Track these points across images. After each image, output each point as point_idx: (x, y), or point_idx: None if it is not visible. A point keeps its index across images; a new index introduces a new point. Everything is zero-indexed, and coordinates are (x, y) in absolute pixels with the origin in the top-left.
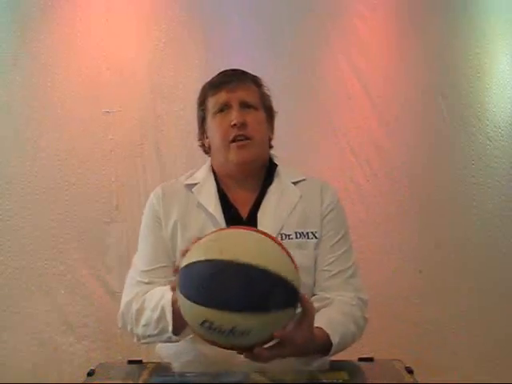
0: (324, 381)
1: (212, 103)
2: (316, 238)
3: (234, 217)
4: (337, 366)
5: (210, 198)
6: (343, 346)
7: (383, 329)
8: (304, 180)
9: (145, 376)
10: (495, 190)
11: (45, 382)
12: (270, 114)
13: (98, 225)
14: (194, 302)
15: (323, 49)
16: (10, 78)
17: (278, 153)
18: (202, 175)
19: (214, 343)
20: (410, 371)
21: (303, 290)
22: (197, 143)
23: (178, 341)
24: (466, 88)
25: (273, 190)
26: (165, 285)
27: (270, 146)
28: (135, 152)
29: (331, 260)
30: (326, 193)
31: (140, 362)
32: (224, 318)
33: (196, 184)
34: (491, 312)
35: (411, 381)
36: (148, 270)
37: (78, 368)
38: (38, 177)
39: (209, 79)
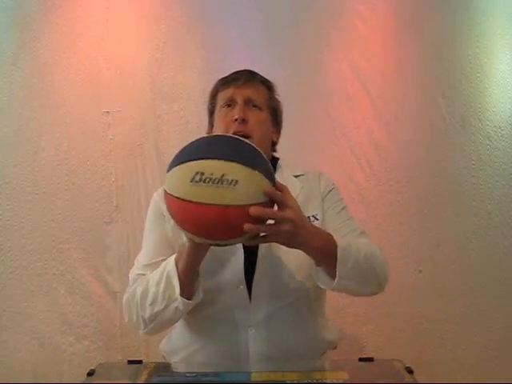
0: (324, 381)
1: (220, 97)
2: (317, 219)
3: None
4: (337, 366)
5: None
6: (353, 261)
7: (383, 329)
8: (303, 175)
9: (145, 376)
10: (495, 189)
11: (45, 382)
12: (275, 117)
13: (98, 225)
14: (187, 161)
15: (323, 49)
16: (10, 78)
17: (278, 153)
18: None
19: (203, 208)
20: (409, 371)
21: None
22: None
23: (185, 311)
24: (466, 88)
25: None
26: None
27: (274, 150)
28: (135, 152)
29: (339, 225)
30: (322, 179)
31: (140, 362)
32: (214, 166)
33: None
34: (491, 312)
35: (411, 381)
36: (150, 264)
37: (78, 368)
38: (38, 177)
39: (208, 79)
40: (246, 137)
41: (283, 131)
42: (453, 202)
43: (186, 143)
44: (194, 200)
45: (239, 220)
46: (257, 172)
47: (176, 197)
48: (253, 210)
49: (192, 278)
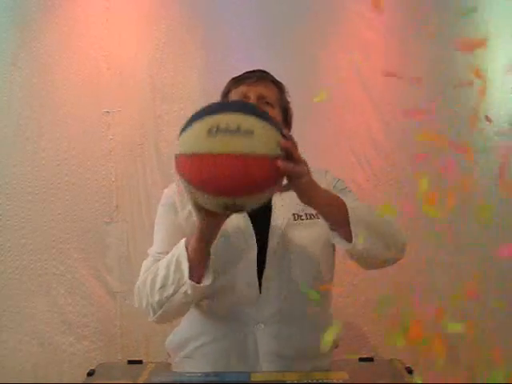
0: (324, 381)
1: (233, 95)
2: None
3: None
4: (337, 366)
5: None
6: (367, 220)
7: (383, 329)
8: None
9: (145, 376)
10: (495, 189)
11: (45, 382)
12: (286, 116)
13: (98, 225)
14: (200, 117)
15: (323, 49)
16: (10, 78)
17: None
18: None
19: (222, 158)
20: (409, 371)
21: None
22: None
23: (195, 296)
24: (466, 88)
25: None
26: None
27: None
28: (135, 152)
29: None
30: (328, 175)
31: (140, 362)
32: (229, 118)
33: None
34: (491, 312)
35: (411, 381)
36: (163, 252)
37: (78, 368)
38: (38, 177)
39: (208, 79)
40: None
41: None
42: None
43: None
44: (212, 151)
45: (257, 171)
46: (271, 125)
47: (192, 153)
48: (281, 164)
49: (203, 260)
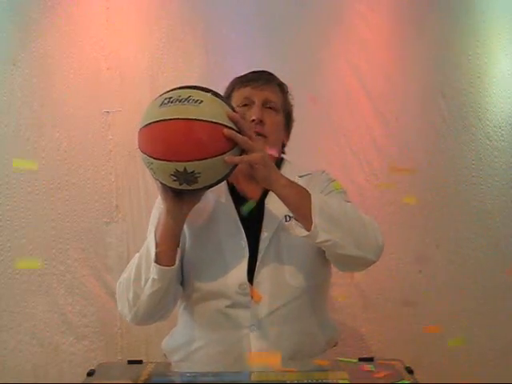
0: (324, 381)
1: (236, 97)
2: None
3: (243, 204)
4: (337, 366)
5: (219, 189)
6: (331, 212)
7: (383, 329)
8: (310, 174)
9: (145, 376)
10: (495, 189)
11: (45, 382)
12: (288, 120)
13: (98, 225)
14: (161, 95)
15: (323, 49)
16: (10, 77)
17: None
18: None
19: (170, 124)
20: (410, 371)
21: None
22: None
23: (162, 280)
24: (466, 88)
25: None
26: None
27: (283, 152)
28: (135, 152)
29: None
30: (323, 174)
31: (140, 362)
32: (181, 92)
33: None
34: (491, 312)
35: (411, 381)
36: None
37: (78, 368)
38: (38, 177)
39: (209, 79)
40: (263, 136)
41: None
42: (453, 201)
43: None
44: (161, 118)
45: (204, 136)
46: (221, 100)
47: (145, 125)
48: (226, 132)
49: (172, 243)
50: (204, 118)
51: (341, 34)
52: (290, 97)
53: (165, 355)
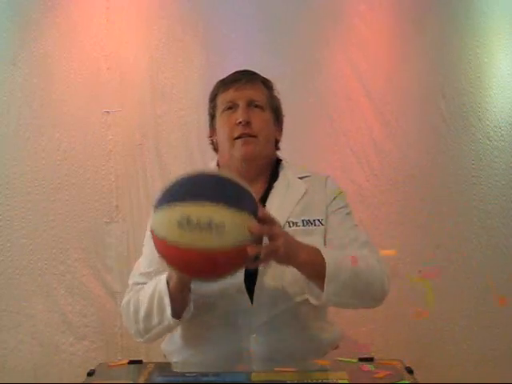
0: (324, 381)
1: (220, 100)
2: (322, 224)
3: None
4: (337, 366)
5: None
6: (343, 278)
7: (383, 329)
8: (309, 176)
9: (145, 376)
10: (495, 190)
11: (45, 382)
12: (277, 116)
13: (98, 225)
14: (171, 201)
15: (323, 49)
16: (9, 78)
17: (279, 153)
18: None
19: (191, 253)
20: (409, 371)
21: None
22: (196, 143)
23: (176, 325)
24: (466, 88)
25: (279, 184)
26: None
27: (277, 148)
28: (135, 152)
29: (342, 235)
30: (328, 183)
31: (140, 362)
32: (201, 210)
33: None
34: (491, 312)
35: (411, 381)
36: (148, 272)
37: (78, 368)
38: (38, 177)
39: (208, 79)
40: (252, 137)
41: (283, 132)
42: (453, 201)
43: (170, 182)
44: (181, 245)
45: (227, 263)
46: (243, 212)
47: (164, 239)
48: (250, 251)
49: (183, 295)
50: (226, 245)
51: (341, 33)
52: (275, 92)
53: (165, 356)
